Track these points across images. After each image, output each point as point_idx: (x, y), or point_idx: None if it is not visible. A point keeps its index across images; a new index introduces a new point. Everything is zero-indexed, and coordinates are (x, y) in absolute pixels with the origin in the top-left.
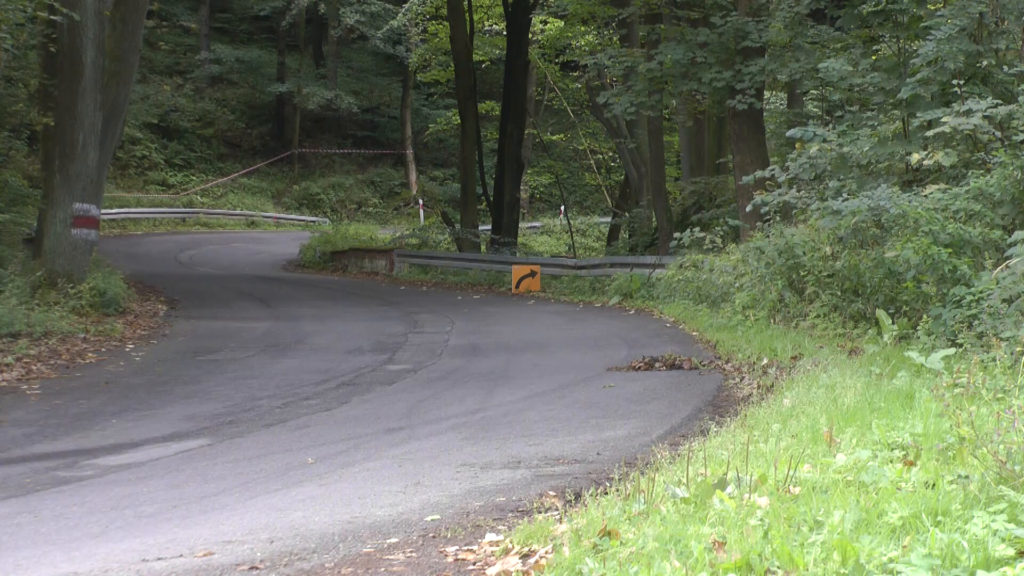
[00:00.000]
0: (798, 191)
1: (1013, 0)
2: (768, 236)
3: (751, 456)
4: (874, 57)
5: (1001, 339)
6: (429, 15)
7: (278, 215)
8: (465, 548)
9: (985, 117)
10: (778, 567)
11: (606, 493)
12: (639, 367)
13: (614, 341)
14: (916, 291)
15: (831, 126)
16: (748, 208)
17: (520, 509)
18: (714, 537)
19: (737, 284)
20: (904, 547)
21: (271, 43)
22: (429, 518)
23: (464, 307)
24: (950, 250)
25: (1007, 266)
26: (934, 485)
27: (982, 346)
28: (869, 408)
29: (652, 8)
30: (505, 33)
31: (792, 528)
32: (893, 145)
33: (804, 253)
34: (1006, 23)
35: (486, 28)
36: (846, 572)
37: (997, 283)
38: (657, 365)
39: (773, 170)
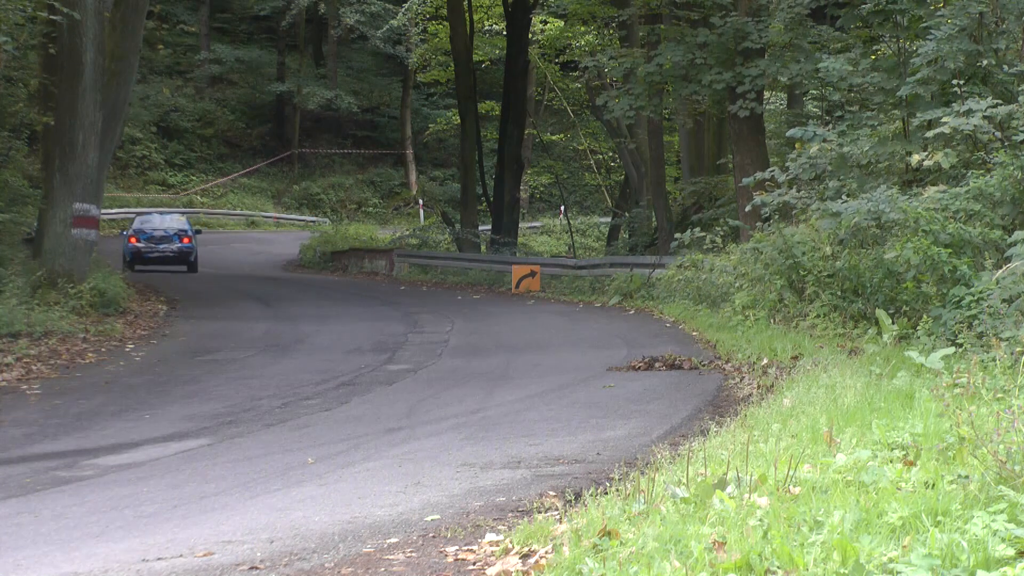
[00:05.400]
0: (798, 191)
1: (1013, 0)
2: (768, 236)
3: (751, 456)
4: (874, 57)
5: (1001, 339)
6: (429, 15)
7: (278, 215)
8: (465, 548)
9: (985, 117)
10: (778, 567)
11: (606, 493)
12: (639, 367)
13: (614, 341)
14: (916, 291)
15: (831, 126)
16: (748, 208)
17: (520, 509)
18: (714, 537)
19: (737, 284)
20: (904, 547)
21: (271, 43)
22: (429, 518)
23: (464, 307)
24: (950, 250)
25: (1007, 266)
26: (934, 485)
27: (982, 346)
28: (869, 408)
29: (652, 8)
30: (505, 33)
31: (792, 528)
32: (893, 145)
33: (804, 253)
34: (1006, 23)
35: (486, 28)
36: (846, 572)
37: (997, 283)
38: (657, 365)
39: (773, 171)
